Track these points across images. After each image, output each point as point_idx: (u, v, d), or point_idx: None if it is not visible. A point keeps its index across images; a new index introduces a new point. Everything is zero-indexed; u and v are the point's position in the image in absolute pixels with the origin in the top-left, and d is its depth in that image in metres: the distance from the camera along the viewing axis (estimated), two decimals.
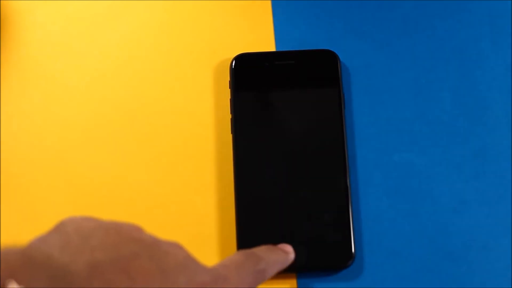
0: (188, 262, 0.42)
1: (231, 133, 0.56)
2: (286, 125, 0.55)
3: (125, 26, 0.59)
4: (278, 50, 0.58)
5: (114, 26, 0.59)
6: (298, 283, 0.53)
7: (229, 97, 0.57)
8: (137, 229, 0.42)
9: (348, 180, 0.54)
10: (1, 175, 0.55)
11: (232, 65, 0.57)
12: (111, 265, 0.40)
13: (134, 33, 0.59)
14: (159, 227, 0.54)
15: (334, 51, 0.58)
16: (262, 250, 0.48)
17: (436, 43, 0.58)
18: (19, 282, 0.37)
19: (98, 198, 0.55)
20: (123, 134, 0.56)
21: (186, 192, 0.55)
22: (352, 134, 0.56)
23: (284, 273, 0.52)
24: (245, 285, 0.45)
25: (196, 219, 0.54)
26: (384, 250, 0.54)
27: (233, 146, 0.55)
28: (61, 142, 0.56)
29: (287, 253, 0.51)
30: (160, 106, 0.57)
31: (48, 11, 0.59)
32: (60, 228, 0.41)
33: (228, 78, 0.58)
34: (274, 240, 0.53)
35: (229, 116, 0.57)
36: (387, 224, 0.54)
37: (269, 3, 0.60)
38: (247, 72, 0.57)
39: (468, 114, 0.57)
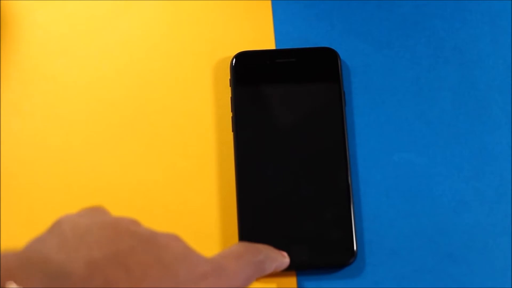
0: (187, 253, 0.42)
1: (232, 131, 0.56)
2: (287, 123, 0.55)
3: (126, 26, 0.59)
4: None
5: (114, 26, 0.59)
6: (297, 282, 0.53)
7: (230, 95, 0.57)
8: (133, 223, 0.42)
9: (349, 177, 0.54)
10: (1, 175, 0.55)
11: (232, 63, 0.57)
12: (108, 261, 0.39)
13: (135, 32, 0.59)
14: (160, 226, 0.54)
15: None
16: (261, 245, 0.48)
17: (436, 43, 0.58)
18: (18, 283, 0.37)
19: (98, 198, 0.55)
20: (123, 133, 0.56)
21: (187, 191, 0.55)
22: (352, 133, 0.56)
23: (284, 271, 0.52)
24: (245, 275, 0.45)
25: (197, 217, 0.54)
26: (384, 250, 0.53)
27: (234, 144, 0.55)
28: (61, 142, 0.56)
29: (284, 256, 0.51)
30: (160, 104, 0.57)
31: (48, 11, 0.59)
32: (56, 228, 0.41)
33: (228, 76, 0.58)
34: (276, 237, 0.53)
35: (229, 114, 0.57)
36: (387, 224, 0.54)
37: (269, 3, 0.60)
38: (248, 70, 0.57)
39: (468, 114, 0.57)
